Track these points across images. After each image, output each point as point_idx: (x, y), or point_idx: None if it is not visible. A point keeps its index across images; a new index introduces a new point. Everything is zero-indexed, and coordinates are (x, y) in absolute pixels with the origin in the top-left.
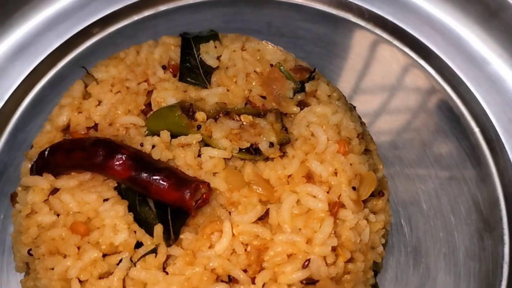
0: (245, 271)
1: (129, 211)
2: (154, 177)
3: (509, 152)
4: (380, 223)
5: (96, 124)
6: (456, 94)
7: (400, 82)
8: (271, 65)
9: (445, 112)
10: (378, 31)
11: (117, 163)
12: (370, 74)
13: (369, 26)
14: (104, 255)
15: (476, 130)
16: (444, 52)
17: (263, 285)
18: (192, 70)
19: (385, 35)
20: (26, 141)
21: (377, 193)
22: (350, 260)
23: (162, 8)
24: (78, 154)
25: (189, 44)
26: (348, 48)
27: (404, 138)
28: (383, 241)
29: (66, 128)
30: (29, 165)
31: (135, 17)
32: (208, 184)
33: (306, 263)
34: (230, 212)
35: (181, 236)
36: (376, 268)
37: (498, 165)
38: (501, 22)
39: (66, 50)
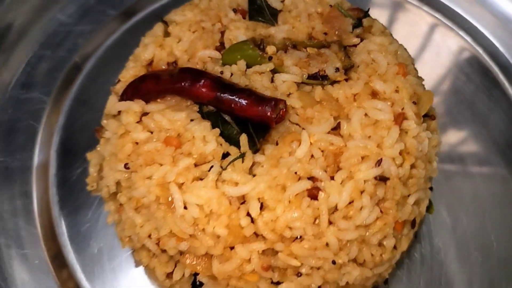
0: (324, 172)
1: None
2: (237, 96)
3: None
4: (435, 141)
5: (175, 61)
6: (483, 50)
7: (429, 40)
8: (330, 6)
9: (475, 66)
10: None
11: (203, 85)
12: (397, 33)
13: None
14: (195, 165)
15: (504, 80)
16: (469, 12)
17: (342, 181)
18: (259, 11)
19: (415, 1)
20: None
21: (430, 116)
22: (413, 166)
23: None
24: (167, 80)
25: None
26: (382, 14)
27: (438, 92)
28: (437, 159)
29: (149, 64)
30: (115, 99)
31: None
32: (285, 101)
33: (378, 162)
34: (304, 129)
35: (263, 147)
36: (431, 186)
37: None
38: None
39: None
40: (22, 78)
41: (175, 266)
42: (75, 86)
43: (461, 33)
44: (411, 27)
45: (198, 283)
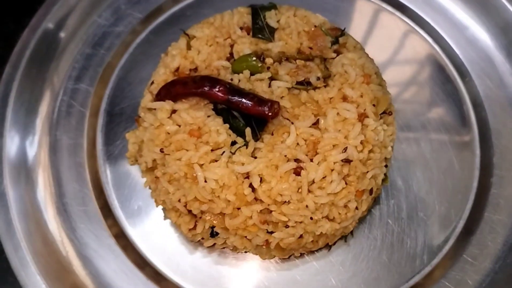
0: (306, 155)
1: (224, 123)
2: (243, 99)
3: (478, 88)
4: (390, 131)
5: (196, 67)
6: (442, 51)
7: (400, 41)
8: (315, 26)
9: (434, 63)
10: (385, 6)
11: (218, 90)
12: (376, 38)
13: (377, 1)
14: (211, 150)
15: (457, 76)
16: (434, 20)
17: (318, 162)
18: (260, 30)
19: (390, 8)
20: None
21: (388, 112)
22: (371, 151)
23: None
24: (192, 85)
25: (257, 12)
26: (362, 19)
27: (400, 87)
28: (392, 144)
29: (176, 70)
30: (150, 97)
31: None
32: (278, 102)
33: (345, 149)
34: (292, 123)
35: (262, 137)
36: (387, 163)
37: (470, 94)
38: None
39: (152, 19)
40: (71, 72)
41: (197, 223)
42: (113, 78)
43: (426, 36)
44: (386, 31)
45: (215, 233)
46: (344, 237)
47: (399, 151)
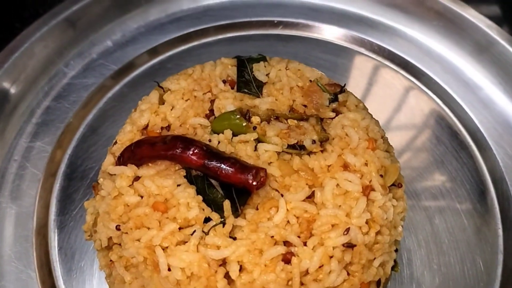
0: (298, 237)
1: (198, 194)
2: (223, 164)
3: (497, 156)
4: (400, 207)
5: (169, 125)
6: (453, 114)
7: (404, 102)
8: (310, 81)
9: (445, 128)
10: (387, 63)
11: (193, 153)
12: (379, 96)
13: (379, 58)
14: (180, 228)
15: (472, 143)
16: (442, 78)
17: (313, 247)
18: (247, 84)
19: (393, 66)
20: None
21: (397, 184)
22: (379, 233)
23: (204, 40)
24: (161, 146)
25: (244, 63)
26: (362, 76)
27: (407, 155)
28: (402, 223)
29: (144, 128)
30: (112, 159)
31: (182, 47)
32: (265, 170)
33: (346, 231)
34: (282, 195)
35: (244, 212)
36: (397, 247)
37: (488, 164)
38: (490, 55)
39: (128, 71)
40: (27, 128)
41: None
42: (77, 135)
43: (434, 96)
44: (389, 90)
45: None
46: None
47: (408, 230)
